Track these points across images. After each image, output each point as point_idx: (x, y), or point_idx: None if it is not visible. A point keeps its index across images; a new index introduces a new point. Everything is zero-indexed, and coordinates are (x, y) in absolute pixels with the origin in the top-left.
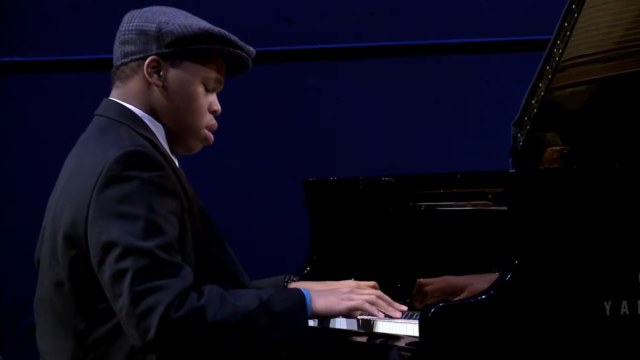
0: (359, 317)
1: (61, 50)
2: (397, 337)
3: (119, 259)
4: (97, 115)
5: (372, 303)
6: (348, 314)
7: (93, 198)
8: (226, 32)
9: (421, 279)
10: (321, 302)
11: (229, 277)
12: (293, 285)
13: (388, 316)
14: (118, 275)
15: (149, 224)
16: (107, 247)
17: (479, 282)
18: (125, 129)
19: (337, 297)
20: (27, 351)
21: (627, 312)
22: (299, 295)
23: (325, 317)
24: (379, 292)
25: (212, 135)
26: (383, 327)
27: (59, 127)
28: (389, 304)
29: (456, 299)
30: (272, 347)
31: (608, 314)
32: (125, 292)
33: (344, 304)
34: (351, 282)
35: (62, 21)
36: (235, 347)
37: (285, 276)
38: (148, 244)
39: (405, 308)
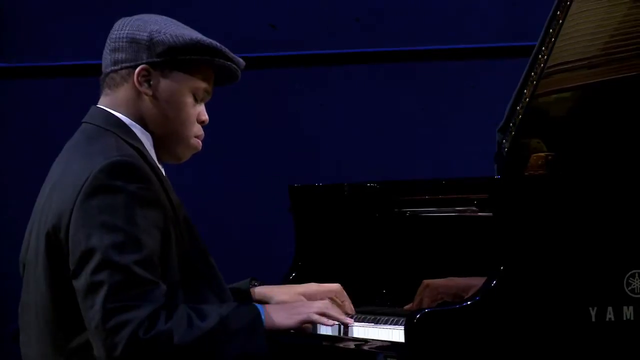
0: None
1: (46, 56)
2: (382, 343)
3: (96, 270)
4: (84, 122)
5: (322, 314)
6: (299, 327)
7: (76, 205)
8: (217, 43)
9: (427, 280)
10: (274, 318)
11: (210, 289)
12: (256, 289)
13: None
14: (93, 287)
15: (129, 237)
16: (86, 255)
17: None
18: (113, 137)
19: (288, 312)
20: (11, 357)
21: (613, 319)
22: (255, 311)
23: (278, 332)
24: (328, 303)
25: (200, 143)
26: (368, 333)
27: (44, 133)
28: (339, 313)
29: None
30: None
31: (593, 320)
32: (98, 306)
33: (294, 318)
34: (312, 286)
35: (47, 27)
36: None
37: (250, 280)
38: (125, 259)
39: (350, 321)
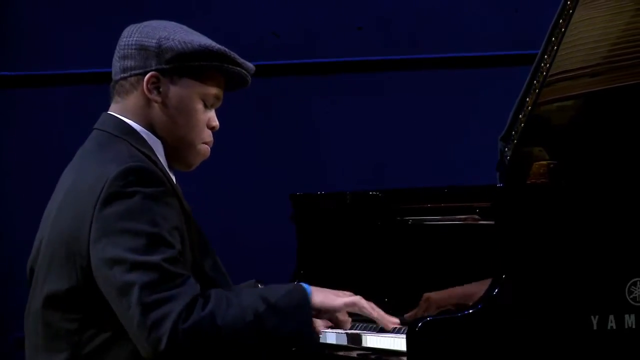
0: (349, 331)
1: (52, 64)
2: (385, 352)
3: (125, 273)
4: (95, 129)
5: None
6: (344, 309)
7: (95, 215)
8: (226, 49)
9: (427, 293)
10: (320, 296)
11: None
12: None
13: (381, 330)
14: (125, 289)
15: (153, 238)
16: (112, 263)
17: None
18: (124, 144)
19: (334, 294)
20: None
21: (614, 327)
22: (301, 289)
23: (321, 311)
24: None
25: (209, 150)
26: (371, 341)
27: (50, 141)
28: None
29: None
30: (282, 341)
31: (595, 328)
32: (134, 305)
33: (341, 300)
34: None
35: (53, 35)
36: (246, 346)
37: (254, 282)
38: (154, 258)
39: (395, 320)
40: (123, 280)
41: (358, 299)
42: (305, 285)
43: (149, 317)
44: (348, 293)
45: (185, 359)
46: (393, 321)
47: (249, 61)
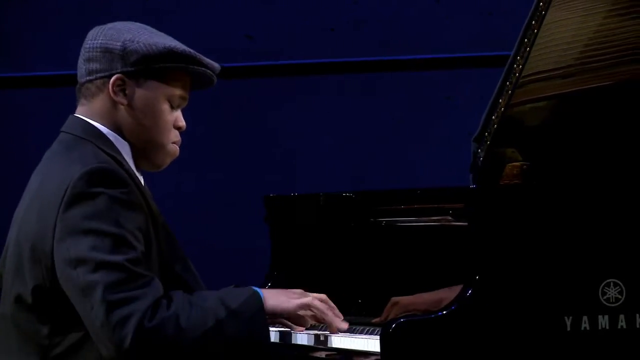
0: (320, 332)
1: (21, 67)
2: (358, 353)
3: (89, 273)
4: (62, 132)
5: (323, 302)
6: (296, 311)
7: (59, 216)
8: (191, 50)
9: (395, 297)
10: (272, 300)
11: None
12: None
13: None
14: (88, 289)
15: (116, 239)
16: (76, 263)
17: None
18: (90, 146)
19: (287, 296)
20: None
21: (588, 328)
22: (254, 294)
23: (275, 315)
24: (325, 297)
25: (177, 149)
26: (343, 342)
27: (20, 144)
28: (336, 313)
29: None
30: (239, 346)
31: (569, 329)
32: (98, 304)
33: (294, 302)
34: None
35: (22, 38)
36: (206, 349)
37: (234, 287)
38: (117, 258)
39: (345, 325)
40: (86, 280)
41: (310, 300)
42: (257, 289)
43: (113, 315)
44: (299, 291)
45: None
46: (342, 327)
47: (223, 63)
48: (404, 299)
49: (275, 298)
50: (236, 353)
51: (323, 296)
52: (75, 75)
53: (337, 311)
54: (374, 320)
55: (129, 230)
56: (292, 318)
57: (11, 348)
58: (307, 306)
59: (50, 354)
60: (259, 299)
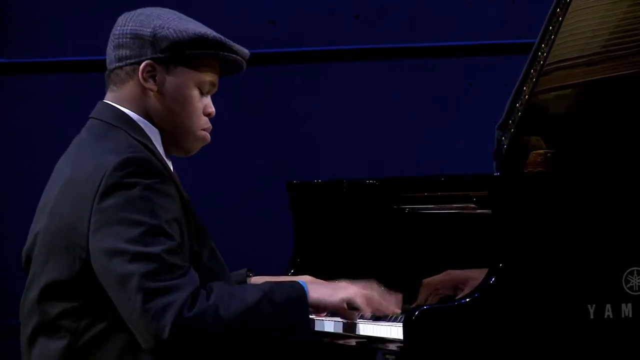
0: (338, 320)
1: (47, 52)
2: (381, 340)
3: (125, 264)
4: (92, 118)
5: (367, 299)
6: (340, 305)
7: (95, 207)
8: (221, 37)
9: (426, 279)
10: (317, 293)
11: None
12: (253, 279)
13: (378, 318)
14: (125, 280)
15: (152, 229)
16: (112, 254)
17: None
18: (122, 133)
19: (332, 289)
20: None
21: (611, 316)
22: (298, 287)
23: (319, 308)
24: (375, 286)
25: (208, 136)
26: (367, 329)
27: (45, 130)
28: (383, 303)
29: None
30: (281, 337)
31: (592, 317)
32: (135, 294)
33: (337, 296)
34: (307, 278)
35: (48, 22)
36: (246, 341)
37: (246, 271)
38: (154, 249)
39: (398, 310)
40: (123, 270)
41: (352, 295)
42: (302, 282)
43: (152, 305)
44: (344, 284)
45: (186, 351)
46: (396, 310)
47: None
48: (432, 279)
49: (319, 291)
50: (276, 346)
51: (371, 286)
52: (101, 60)
53: (383, 303)
54: (412, 306)
55: (165, 220)
56: (337, 312)
57: (37, 335)
58: (350, 301)
59: (77, 342)
60: (302, 293)
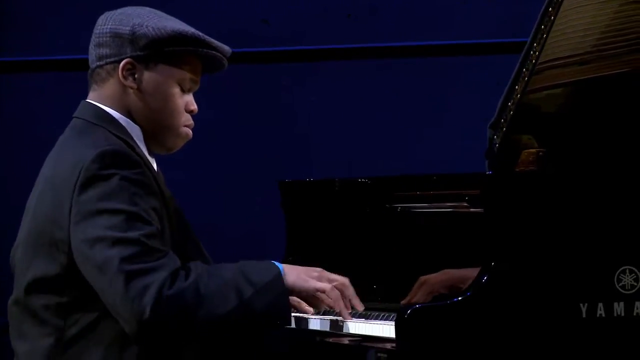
0: (330, 318)
1: (38, 50)
2: (373, 338)
3: (105, 250)
4: (75, 117)
5: (340, 290)
6: (313, 293)
7: (74, 200)
8: (200, 33)
9: (423, 277)
10: (292, 276)
11: None
12: None
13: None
14: (105, 265)
15: (131, 216)
16: (92, 242)
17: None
18: (102, 130)
19: (307, 275)
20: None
21: (603, 315)
22: (274, 267)
23: (293, 291)
24: (347, 281)
25: (190, 132)
26: (360, 328)
27: (35, 128)
28: (353, 297)
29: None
30: (258, 317)
31: (584, 316)
32: (115, 279)
33: (312, 284)
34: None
35: (38, 21)
36: (225, 319)
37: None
38: (133, 234)
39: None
40: (103, 256)
41: (328, 287)
42: (277, 263)
43: (132, 287)
44: (318, 271)
45: (168, 331)
46: (347, 318)
47: (239, 48)
48: (431, 277)
49: (294, 275)
50: (254, 324)
51: (344, 281)
52: (87, 59)
53: (355, 299)
54: (402, 302)
55: (143, 208)
56: (308, 299)
57: (25, 333)
58: (324, 292)
59: (65, 336)
60: (277, 271)
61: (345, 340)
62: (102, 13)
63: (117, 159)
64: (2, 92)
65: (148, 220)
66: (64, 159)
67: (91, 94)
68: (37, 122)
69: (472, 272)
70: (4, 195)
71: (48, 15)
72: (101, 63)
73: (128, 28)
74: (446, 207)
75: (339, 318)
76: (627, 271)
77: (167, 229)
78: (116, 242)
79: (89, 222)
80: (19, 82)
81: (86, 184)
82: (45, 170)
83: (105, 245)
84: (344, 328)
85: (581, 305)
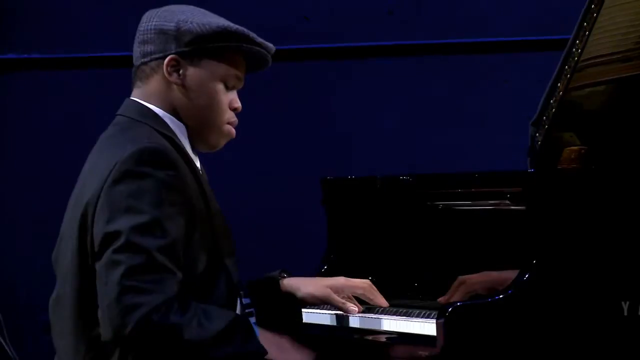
0: (370, 316)
1: (77, 48)
2: (414, 336)
3: (117, 251)
4: (118, 115)
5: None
6: None
7: (104, 190)
8: (245, 29)
9: (462, 276)
10: (272, 351)
11: (229, 288)
12: (284, 281)
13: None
14: (111, 265)
15: (154, 222)
16: (110, 237)
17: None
18: (146, 127)
19: (279, 351)
20: (42, 348)
21: None
22: (257, 341)
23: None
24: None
25: (234, 130)
26: (400, 325)
27: (75, 125)
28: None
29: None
30: None
31: (626, 314)
32: (114, 283)
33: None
34: (340, 279)
35: (78, 18)
36: None
37: (280, 272)
38: (147, 243)
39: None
40: (112, 257)
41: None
42: (258, 337)
43: (124, 300)
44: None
45: (136, 350)
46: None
47: (280, 45)
48: (470, 278)
49: (275, 350)
50: None
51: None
52: (131, 56)
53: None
54: (439, 299)
55: (169, 214)
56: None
57: (66, 329)
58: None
59: (91, 335)
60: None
61: (384, 338)
62: (142, 11)
63: (155, 157)
64: (41, 90)
65: (168, 230)
66: (104, 154)
67: (135, 92)
68: (76, 120)
69: (511, 275)
70: (38, 193)
71: (87, 12)
72: (146, 60)
73: (173, 24)
74: (488, 205)
75: (379, 316)
76: None
77: (198, 230)
78: (129, 245)
79: (112, 215)
80: (58, 80)
81: (119, 178)
82: (87, 166)
83: (118, 245)
84: (384, 326)
85: (623, 303)
